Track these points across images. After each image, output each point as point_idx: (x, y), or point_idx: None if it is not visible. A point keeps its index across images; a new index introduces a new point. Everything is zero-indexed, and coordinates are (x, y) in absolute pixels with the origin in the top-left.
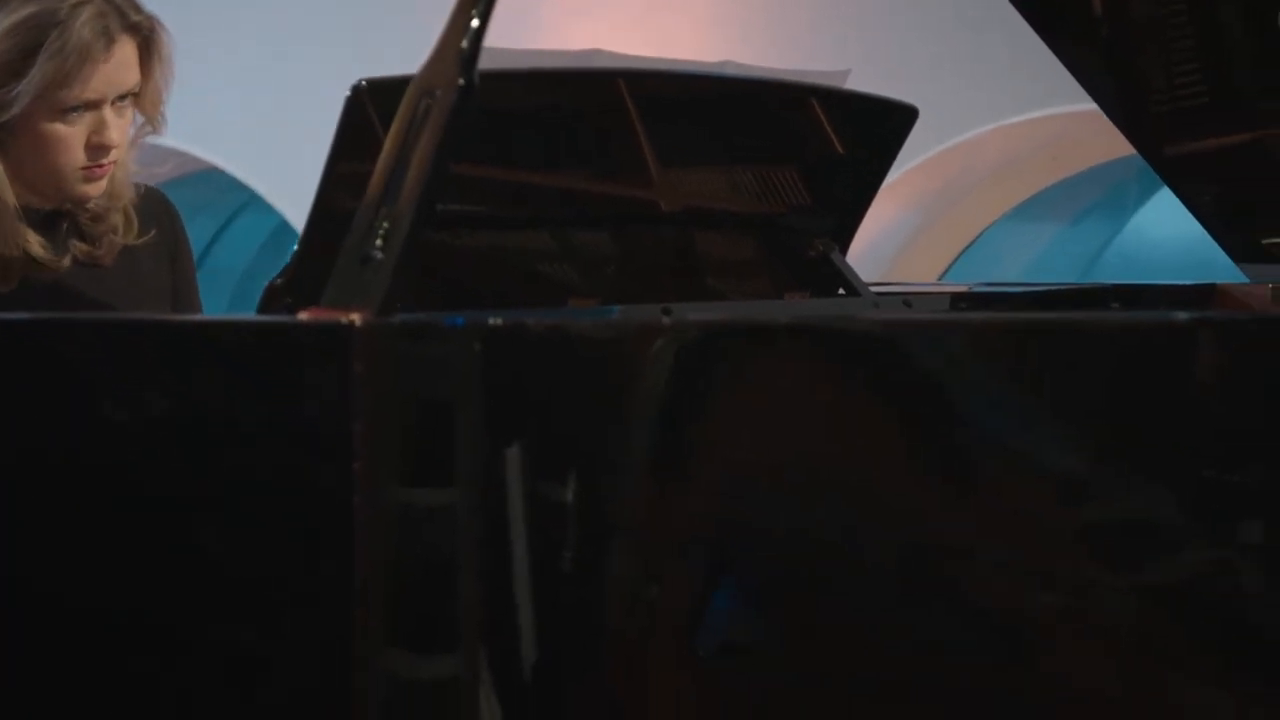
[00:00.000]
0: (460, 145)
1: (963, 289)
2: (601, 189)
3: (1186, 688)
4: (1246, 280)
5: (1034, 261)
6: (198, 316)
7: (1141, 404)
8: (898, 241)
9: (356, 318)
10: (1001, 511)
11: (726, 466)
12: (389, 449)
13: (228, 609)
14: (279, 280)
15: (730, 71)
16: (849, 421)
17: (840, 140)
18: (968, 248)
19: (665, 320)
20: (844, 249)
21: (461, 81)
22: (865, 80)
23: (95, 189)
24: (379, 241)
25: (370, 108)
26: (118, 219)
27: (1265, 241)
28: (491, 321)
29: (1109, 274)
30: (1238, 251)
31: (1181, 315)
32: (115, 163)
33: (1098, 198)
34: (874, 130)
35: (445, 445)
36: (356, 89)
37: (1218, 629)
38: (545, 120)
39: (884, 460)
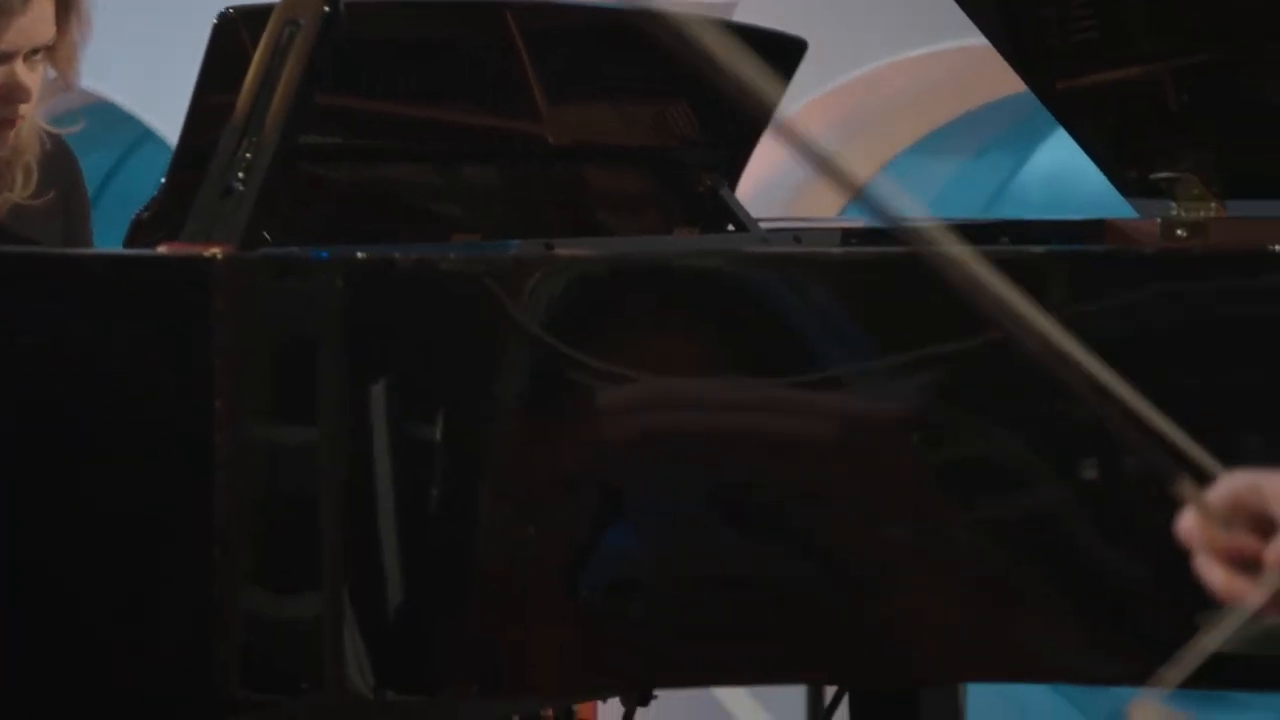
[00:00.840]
0: (326, 74)
1: (856, 224)
2: (488, 122)
3: (1026, 619)
4: (1136, 215)
5: (938, 196)
6: (61, 249)
7: (990, 340)
8: (797, 177)
9: (217, 251)
10: (856, 448)
11: (604, 405)
12: (251, 386)
13: (88, 546)
14: (145, 213)
15: (615, 2)
16: (715, 358)
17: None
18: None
19: (537, 255)
20: (733, 184)
21: (326, 9)
22: (753, 14)
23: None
24: (241, 173)
25: (243, 33)
26: (18, 175)
27: (1153, 176)
28: (358, 256)
29: (1014, 208)
30: (1127, 186)
31: (1034, 249)
32: (23, 118)
33: (1002, 131)
34: (763, 63)
35: (308, 382)
36: (223, 16)
37: (1057, 562)
38: (430, 51)
39: (748, 397)
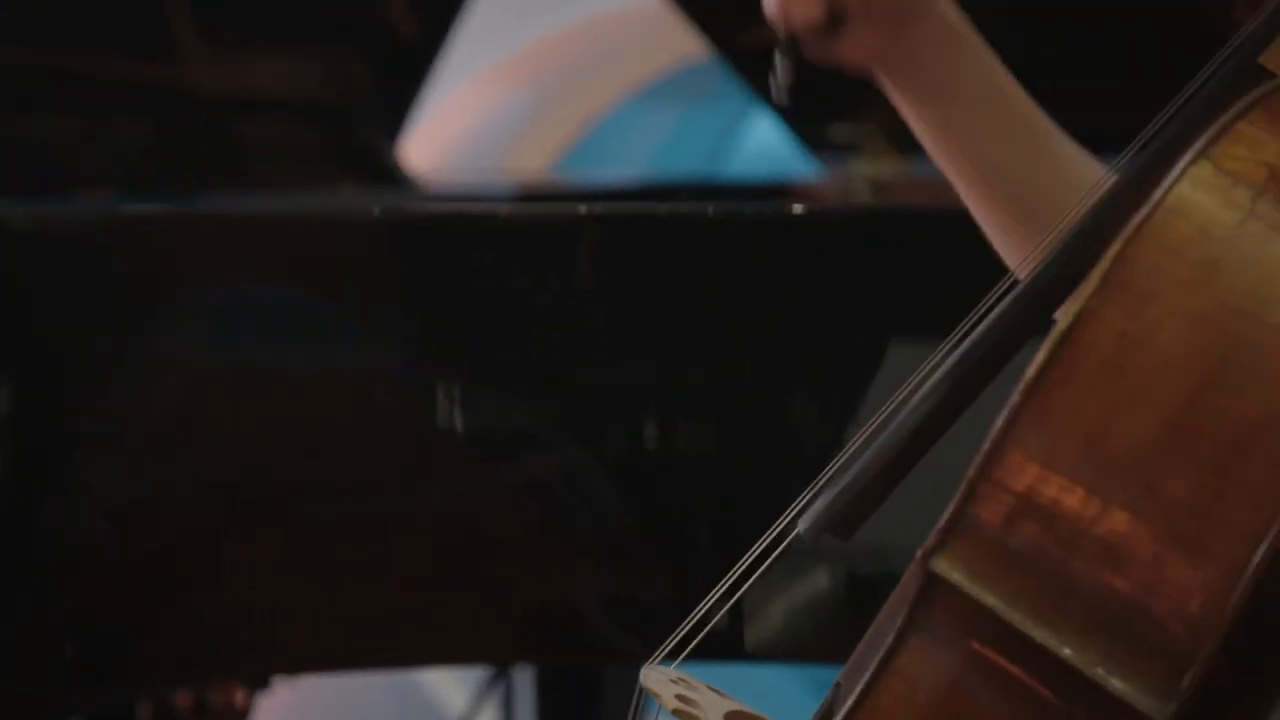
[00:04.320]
0: None
1: (555, 185)
2: (132, 71)
3: (549, 577)
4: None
5: (661, 148)
6: None
7: (517, 301)
8: (510, 128)
9: None
10: (374, 413)
11: (185, 370)
12: None
13: None
14: None
15: None
16: (273, 313)
17: (396, 15)
18: (585, 135)
19: (134, 211)
20: (398, 136)
21: None
22: None
23: None
24: None
25: None
26: None
27: (833, 133)
28: None
29: (736, 160)
30: (813, 143)
31: (579, 207)
32: None
33: (723, 82)
34: (428, 8)
35: None
36: None
37: (575, 526)
38: None
39: (288, 359)
